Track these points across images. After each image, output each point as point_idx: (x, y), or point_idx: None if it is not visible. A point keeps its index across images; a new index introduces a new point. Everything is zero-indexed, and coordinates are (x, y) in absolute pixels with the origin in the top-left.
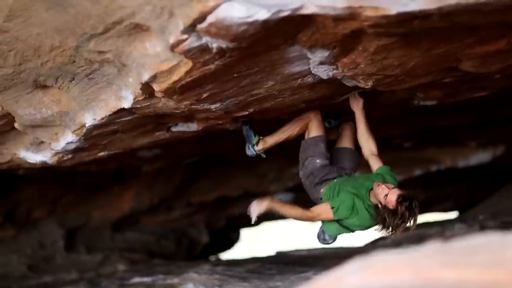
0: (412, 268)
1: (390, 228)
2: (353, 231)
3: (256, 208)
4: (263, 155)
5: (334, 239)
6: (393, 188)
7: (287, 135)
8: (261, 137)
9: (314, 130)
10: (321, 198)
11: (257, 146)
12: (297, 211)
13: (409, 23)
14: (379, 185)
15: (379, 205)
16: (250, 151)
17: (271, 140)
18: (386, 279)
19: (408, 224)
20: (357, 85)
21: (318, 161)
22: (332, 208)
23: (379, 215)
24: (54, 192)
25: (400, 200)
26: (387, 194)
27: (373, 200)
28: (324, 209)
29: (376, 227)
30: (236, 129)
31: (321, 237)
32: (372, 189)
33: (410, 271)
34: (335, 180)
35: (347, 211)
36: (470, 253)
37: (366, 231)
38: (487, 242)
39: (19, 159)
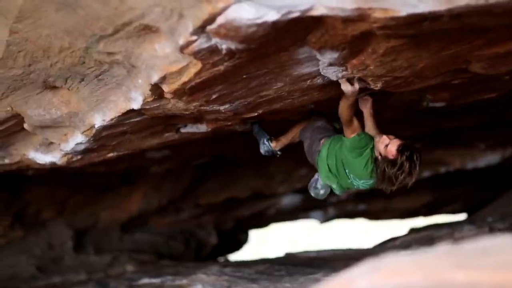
0: (422, 270)
1: (389, 179)
2: (341, 185)
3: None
4: (279, 153)
5: (325, 191)
6: (394, 138)
7: (295, 134)
8: (272, 137)
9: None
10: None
11: (272, 142)
12: (350, 114)
13: (418, 25)
14: (381, 136)
15: (379, 157)
16: (265, 146)
17: (284, 139)
18: (397, 281)
19: (407, 177)
20: (366, 86)
21: (320, 123)
22: (358, 134)
23: (378, 167)
24: (63, 193)
25: (401, 149)
26: (388, 144)
27: (375, 153)
28: (357, 125)
29: (375, 182)
30: (245, 131)
31: (312, 185)
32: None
33: (421, 273)
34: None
35: (362, 145)
36: (480, 255)
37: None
38: (497, 244)
39: (28, 160)
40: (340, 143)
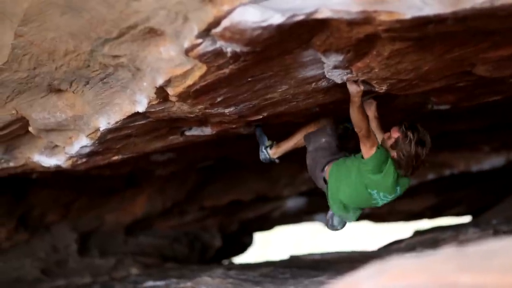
0: (428, 273)
1: (409, 161)
2: (358, 211)
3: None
4: (277, 161)
5: (343, 223)
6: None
7: (297, 141)
8: (274, 142)
9: (320, 123)
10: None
11: (270, 150)
12: (365, 122)
13: (423, 28)
14: (382, 137)
15: (395, 155)
16: (263, 154)
17: (285, 145)
18: (402, 284)
19: (420, 146)
20: (371, 89)
21: (323, 139)
22: (378, 147)
23: (398, 161)
24: (68, 196)
25: (399, 128)
26: (389, 135)
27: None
28: (374, 137)
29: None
30: (250, 133)
31: (329, 222)
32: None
33: (426, 276)
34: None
35: (383, 158)
36: (486, 258)
37: (381, 203)
38: (502, 246)
39: (33, 163)
40: (356, 168)
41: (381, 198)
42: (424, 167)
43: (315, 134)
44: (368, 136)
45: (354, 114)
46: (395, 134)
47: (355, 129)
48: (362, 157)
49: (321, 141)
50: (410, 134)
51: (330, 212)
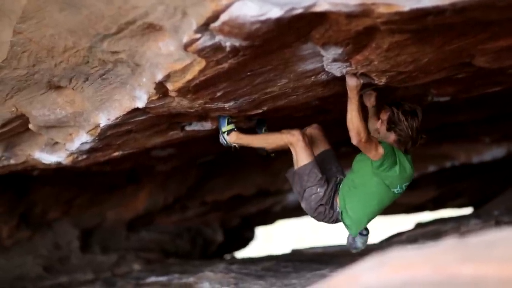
0: (430, 264)
1: (410, 133)
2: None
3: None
4: (236, 146)
5: (365, 242)
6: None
7: (262, 145)
8: (235, 129)
9: (303, 156)
10: (340, 212)
11: (228, 136)
12: (364, 124)
13: (422, 20)
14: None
15: (394, 138)
16: (221, 138)
17: (246, 139)
18: (404, 276)
19: (414, 117)
20: (370, 82)
21: (319, 189)
22: (384, 148)
23: (395, 142)
24: (69, 192)
25: (384, 109)
26: (380, 121)
27: (395, 145)
28: (375, 139)
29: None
30: (250, 127)
31: (352, 246)
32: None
33: (428, 267)
34: (341, 186)
35: (393, 152)
36: (487, 248)
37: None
38: (503, 237)
39: (34, 160)
40: (372, 177)
41: (402, 189)
42: (422, 139)
43: (300, 179)
44: (369, 140)
45: (353, 116)
46: (384, 116)
47: (353, 139)
48: (371, 163)
49: (318, 194)
50: (395, 109)
51: (349, 238)
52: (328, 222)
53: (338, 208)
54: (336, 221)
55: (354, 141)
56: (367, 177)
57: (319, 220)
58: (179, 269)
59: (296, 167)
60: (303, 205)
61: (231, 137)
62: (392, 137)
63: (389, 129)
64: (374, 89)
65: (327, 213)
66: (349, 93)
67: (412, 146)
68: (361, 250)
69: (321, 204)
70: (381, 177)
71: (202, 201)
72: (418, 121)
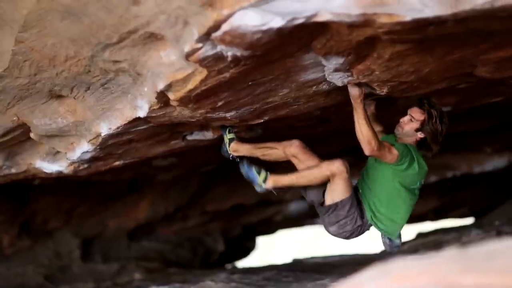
0: (431, 274)
1: (434, 136)
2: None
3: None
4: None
5: (400, 237)
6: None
7: (302, 184)
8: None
9: (343, 188)
10: (371, 218)
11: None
12: (374, 133)
13: (423, 30)
14: (399, 125)
15: (418, 137)
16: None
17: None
18: (404, 286)
19: (443, 124)
20: (372, 92)
21: (355, 214)
22: (397, 149)
23: (416, 142)
24: (70, 202)
25: (421, 108)
26: (410, 118)
27: (410, 141)
28: (387, 143)
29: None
30: (251, 137)
31: (389, 247)
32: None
33: (428, 277)
34: (361, 193)
35: (406, 150)
36: (488, 259)
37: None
38: (505, 247)
39: (35, 169)
40: (394, 181)
41: (421, 184)
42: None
43: (339, 210)
44: (381, 146)
45: (360, 125)
46: (420, 116)
47: (365, 149)
48: (389, 166)
49: (354, 223)
50: (434, 112)
51: (387, 241)
52: (358, 235)
53: (365, 216)
54: (366, 230)
55: (367, 151)
56: (386, 180)
57: (353, 237)
58: (180, 278)
59: (331, 197)
60: (332, 229)
61: (270, 184)
62: (416, 137)
63: (418, 130)
64: (375, 99)
65: (362, 227)
66: (353, 103)
67: (432, 152)
68: (362, 260)
69: (358, 225)
70: (401, 176)
71: (203, 210)
72: (446, 127)
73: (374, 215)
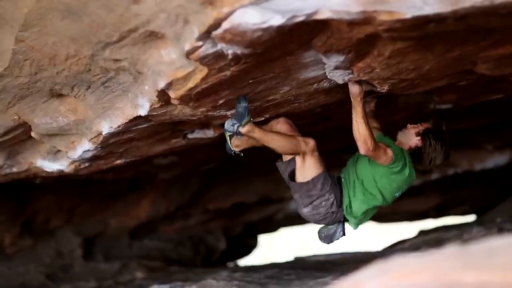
0: (432, 271)
1: (428, 161)
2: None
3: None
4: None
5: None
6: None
7: (273, 144)
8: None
9: (315, 166)
10: (344, 209)
11: (242, 128)
12: (371, 132)
13: (424, 27)
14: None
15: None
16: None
17: (259, 133)
18: (406, 283)
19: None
20: (372, 89)
21: (331, 195)
22: (393, 151)
23: (411, 149)
24: (71, 200)
25: (423, 136)
26: (418, 130)
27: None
28: (383, 144)
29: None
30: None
31: (332, 239)
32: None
33: (430, 275)
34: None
35: (401, 154)
36: (490, 256)
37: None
38: (506, 244)
39: (36, 168)
40: (379, 180)
41: (401, 192)
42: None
43: (312, 189)
44: (377, 146)
45: (358, 124)
46: (425, 125)
47: (361, 149)
48: (380, 167)
49: (324, 196)
50: (435, 143)
51: (331, 231)
52: (331, 223)
53: (342, 206)
54: (338, 220)
55: (362, 151)
56: (371, 179)
57: (323, 223)
58: (181, 277)
59: (302, 175)
60: (305, 210)
61: (245, 128)
62: (414, 142)
63: (419, 134)
64: (375, 97)
65: (336, 215)
66: (352, 101)
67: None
68: (364, 258)
69: (332, 211)
70: (389, 180)
71: (204, 208)
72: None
73: (350, 206)
